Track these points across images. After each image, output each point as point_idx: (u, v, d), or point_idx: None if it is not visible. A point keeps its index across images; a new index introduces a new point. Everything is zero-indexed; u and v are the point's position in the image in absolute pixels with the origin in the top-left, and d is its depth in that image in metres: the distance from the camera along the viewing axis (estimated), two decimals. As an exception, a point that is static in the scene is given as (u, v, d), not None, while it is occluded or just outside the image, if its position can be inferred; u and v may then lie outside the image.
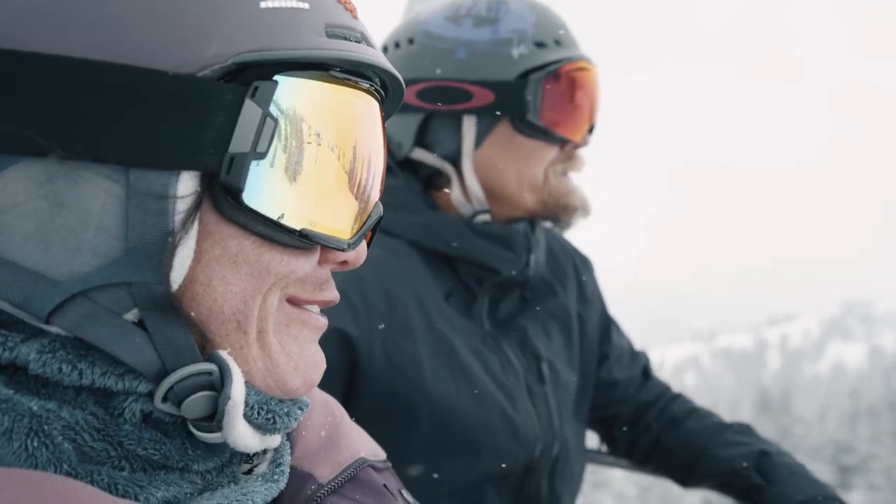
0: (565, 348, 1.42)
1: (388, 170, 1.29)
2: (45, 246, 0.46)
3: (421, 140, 1.28)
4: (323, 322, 0.58)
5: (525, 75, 1.22)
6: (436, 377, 1.18)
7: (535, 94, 1.21)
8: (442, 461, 1.18)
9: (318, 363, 0.57)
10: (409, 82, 1.25)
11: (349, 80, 0.53)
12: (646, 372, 1.60)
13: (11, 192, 0.45)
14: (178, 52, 0.46)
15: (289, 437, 0.64)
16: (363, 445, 0.68)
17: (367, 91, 0.55)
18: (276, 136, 0.48)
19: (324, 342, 0.58)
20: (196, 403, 0.50)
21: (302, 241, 0.51)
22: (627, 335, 1.61)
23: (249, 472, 0.58)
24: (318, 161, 0.51)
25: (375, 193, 0.58)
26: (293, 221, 0.50)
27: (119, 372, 0.48)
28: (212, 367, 0.50)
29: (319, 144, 0.51)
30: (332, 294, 0.57)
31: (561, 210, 1.29)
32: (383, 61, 0.55)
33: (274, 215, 0.49)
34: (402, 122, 1.29)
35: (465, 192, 1.28)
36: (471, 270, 1.28)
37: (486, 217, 1.28)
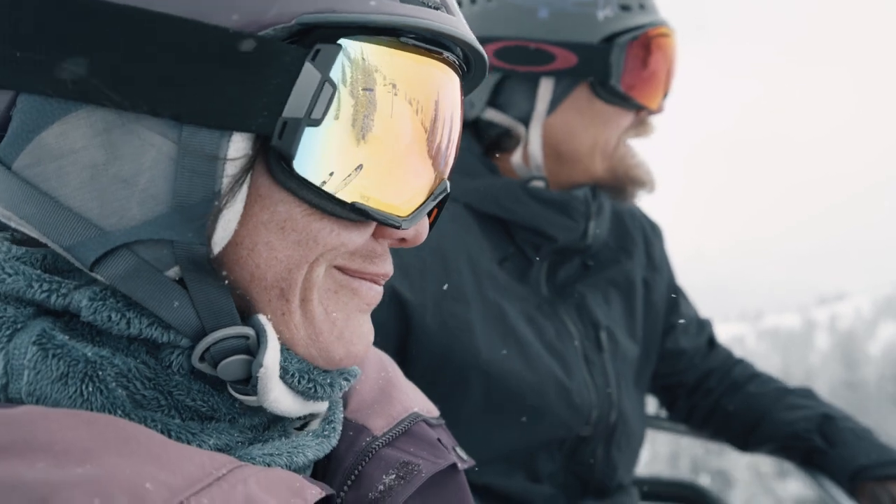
0: (626, 317, 1.38)
1: None
2: (98, 194, 0.46)
3: (493, 100, 1.24)
4: (377, 292, 0.56)
5: (610, 39, 1.17)
6: (487, 343, 1.16)
7: (618, 59, 1.17)
8: (494, 425, 1.17)
9: (364, 334, 0.55)
10: (485, 40, 1.21)
11: (423, 48, 0.50)
12: (711, 341, 1.58)
13: (71, 139, 0.46)
14: (241, 10, 0.45)
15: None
16: (416, 401, 0.68)
17: (445, 61, 0.52)
18: (334, 102, 0.46)
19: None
20: (231, 366, 0.49)
21: (354, 213, 0.49)
22: (694, 304, 1.57)
23: (302, 427, 0.58)
24: (378, 131, 0.49)
25: (444, 170, 0.55)
26: (346, 193, 0.48)
27: (165, 324, 0.48)
28: (249, 331, 0.49)
29: (381, 113, 0.49)
30: (385, 268, 0.55)
31: (628, 181, 1.26)
32: (464, 32, 0.52)
33: (325, 185, 0.47)
34: None
35: (526, 156, 1.25)
36: (527, 236, 1.25)
37: (540, 183, 1.24)
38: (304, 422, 0.58)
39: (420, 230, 0.55)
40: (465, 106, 1.26)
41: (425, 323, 1.13)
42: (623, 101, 1.20)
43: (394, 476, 0.57)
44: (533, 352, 1.20)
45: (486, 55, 0.55)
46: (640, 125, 1.26)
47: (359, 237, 0.51)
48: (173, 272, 0.48)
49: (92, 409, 0.46)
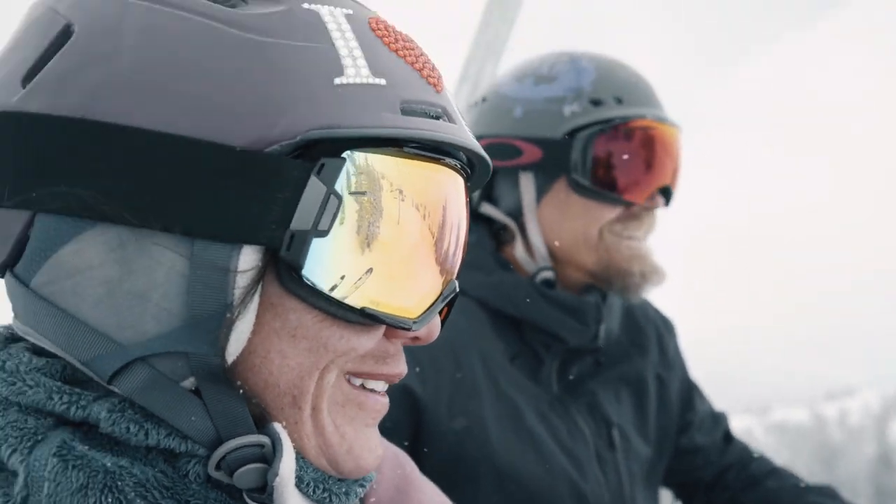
0: (638, 415, 1.37)
1: None
2: (113, 310, 0.47)
3: (489, 195, 1.29)
4: (383, 404, 0.56)
5: (574, 133, 1.21)
6: (501, 441, 1.14)
7: (584, 153, 1.20)
8: None
9: (373, 448, 0.55)
10: (478, 138, 1.27)
11: (424, 156, 0.52)
12: (727, 435, 1.54)
13: (86, 256, 0.47)
14: (247, 128, 0.47)
15: None
16: (434, 499, 0.67)
17: (448, 166, 0.54)
18: (340, 213, 0.48)
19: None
20: (247, 475, 0.49)
21: (364, 318, 0.50)
22: (708, 399, 1.56)
23: None
24: (385, 237, 0.50)
25: (453, 270, 0.56)
26: (355, 299, 0.49)
27: (182, 434, 0.49)
28: (264, 439, 0.50)
29: (387, 219, 0.50)
30: (398, 367, 0.56)
31: (619, 274, 1.24)
32: (465, 138, 0.53)
33: (334, 293, 0.48)
34: None
35: (530, 249, 1.27)
36: (538, 335, 1.26)
37: (548, 274, 1.26)
38: None
39: (432, 329, 0.55)
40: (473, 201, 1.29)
41: (438, 419, 1.12)
42: (595, 194, 1.21)
43: None
44: (547, 450, 1.18)
45: (487, 157, 0.56)
46: (632, 219, 1.26)
47: (368, 341, 0.52)
48: (189, 383, 0.49)
49: None
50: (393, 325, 0.51)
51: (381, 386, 0.56)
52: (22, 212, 0.48)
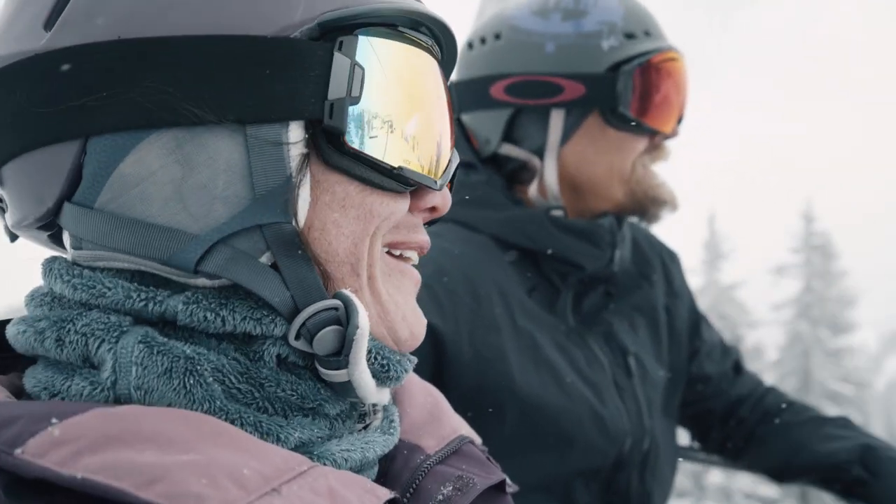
0: (652, 343, 1.40)
1: (471, 166, 1.30)
2: (183, 205, 0.51)
3: (508, 135, 1.28)
4: (418, 276, 0.62)
5: (615, 67, 1.22)
6: (522, 372, 1.17)
7: (626, 86, 1.21)
8: (529, 455, 1.17)
9: (420, 317, 0.61)
10: (495, 78, 1.26)
11: (414, 36, 0.58)
12: (737, 366, 1.57)
13: (147, 163, 0.51)
14: (272, 20, 0.52)
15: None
16: (462, 426, 0.70)
17: (428, 49, 0.59)
18: (364, 82, 0.53)
19: None
20: (326, 338, 0.53)
21: (397, 182, 0.56)
22: (717, 329, 1.58)
23: (363, 429, 0.61)
24: (403, 106, 0.56)
25: (449, 144, 0.62)
26: (390, 159, 0.55)
27: (257, 317, 0.53)
28: (338, 302, 0.54)
29: (400, 90, 0.56)
30: (425, 237, 0.62)
31: (650, 202, 1.28)
32: (441, 15, 0.60)
33: (373, 153, 0.54)
34: (488, 119, 1.29)
35: (542, 187, 1.27)
36: (554, 266, 1.27)
37: (558, 212, 1.27)
38: (364, 425, 0.62)
39: (446, 197, 0.62)
40: (480, 143, 1.30)
41: (460, 353, 1.14)
42: (635, 126, 1.24)
43: (451, 488, 0.59)
44: (566, 379, 1.21)
45: (456, 38, 0.63)
46: (656, 149, 1.30)
47: (402, 206, 0.57)
48: (265, 258, 0.53)
49: (193, 401, 0.50)
50: (422, 184, 0.57)
51: (415, 258, 0.62)
52: (72, 143, 0.51)
